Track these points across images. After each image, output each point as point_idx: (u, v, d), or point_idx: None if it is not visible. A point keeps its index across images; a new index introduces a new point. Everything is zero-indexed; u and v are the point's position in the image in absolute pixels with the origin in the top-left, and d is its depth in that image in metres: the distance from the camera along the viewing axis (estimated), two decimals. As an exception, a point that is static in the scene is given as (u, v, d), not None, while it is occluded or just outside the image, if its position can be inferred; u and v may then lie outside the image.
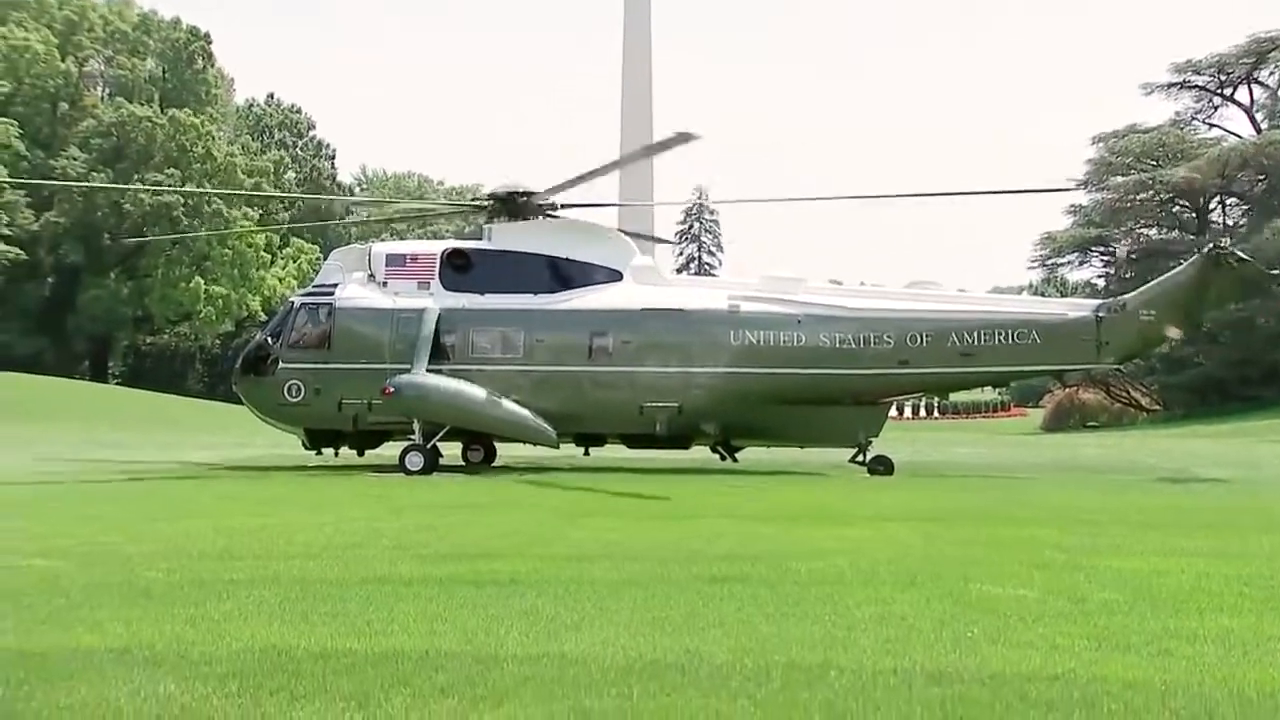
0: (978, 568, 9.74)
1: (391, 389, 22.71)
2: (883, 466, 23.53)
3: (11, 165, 67.77)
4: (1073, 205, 74.61)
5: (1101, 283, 74.21)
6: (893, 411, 28.17)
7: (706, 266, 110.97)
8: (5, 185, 63.97)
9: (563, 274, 24.10)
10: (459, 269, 24.29)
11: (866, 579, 9.26)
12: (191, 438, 40.59)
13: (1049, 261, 76.00)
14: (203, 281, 75.54)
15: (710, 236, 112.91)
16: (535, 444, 23.95)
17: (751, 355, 23.27)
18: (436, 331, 23.55)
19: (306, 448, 24.65)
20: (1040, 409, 75.85)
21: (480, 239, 25.11)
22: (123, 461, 26.20)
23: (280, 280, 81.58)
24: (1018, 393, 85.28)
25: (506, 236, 24.53)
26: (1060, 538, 11.78)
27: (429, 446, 23.15)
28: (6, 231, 65.89)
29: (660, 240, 33.48)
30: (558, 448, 23.93)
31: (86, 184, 68.89)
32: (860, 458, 23.73)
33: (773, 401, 23.21)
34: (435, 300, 23.88)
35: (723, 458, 24.60)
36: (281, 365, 23.87)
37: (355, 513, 14.65)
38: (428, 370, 23.11)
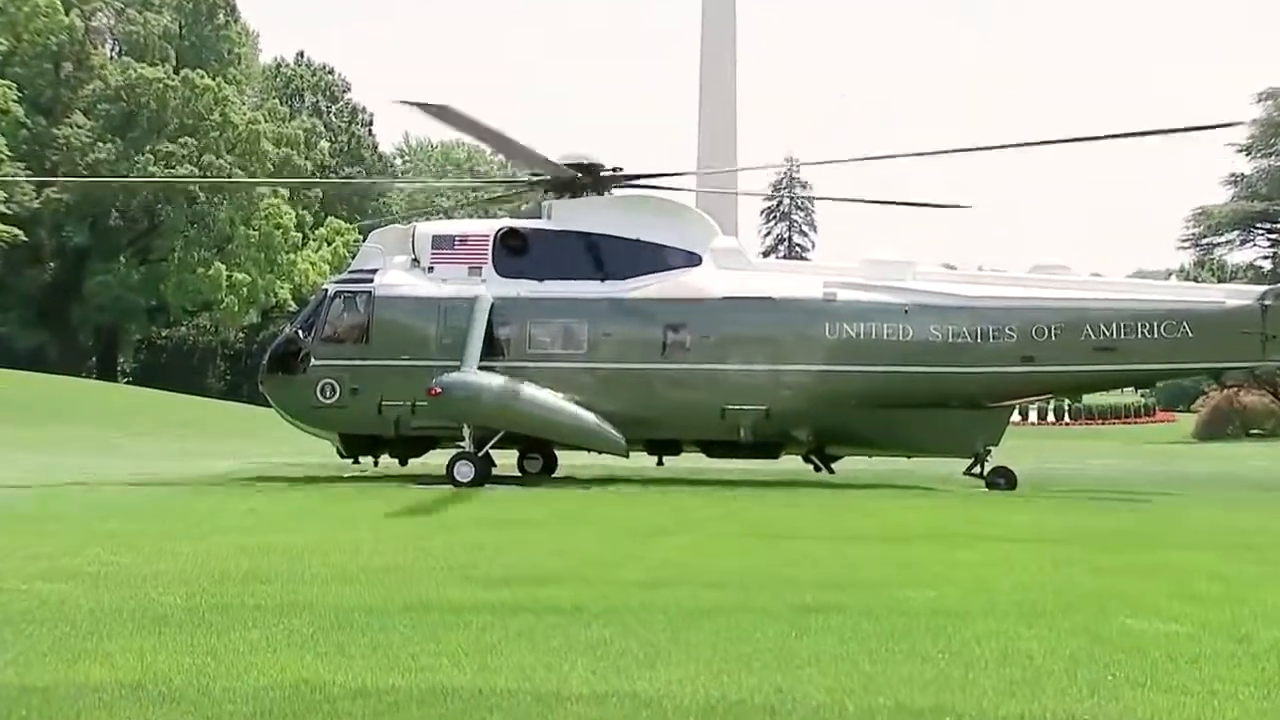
0: (1118, 599, 9.64)
1: (438, 389, 22.97)
2: (1003, 480, 23.37)
3: (10, 133, 67.70)
4: (1233, 175, 72.70)
5: (1268, 265, 72.63)
6: (1015, 416, 27.91)
7: (798, 249, 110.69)
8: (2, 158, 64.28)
9: (633, 257, 24.21)
10: (515, 252, 24.50)
11: (986, 611, 9.19)
12: (212, 444, 41.36)
13: (1203, 241, 74.32)
14: (224, 267, 76.55)
15: (802, 214, 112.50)
16: (601, 452, 24.15)
17: (851, 350, 23.23)
18: (489, 323, 23.78)
19: (342, 456, 25.06)
20: (1192, 414, 74.50)
21: (539, 217, 25.33)
22: (135, 471, 26.76)
23: (312, 265, 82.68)
24: (1165, 395, 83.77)
25: (569, 215, 24.70)
26: (1218, 565, 11.65)
27: (481, 455, 23.37)
28: (3, 209, 64.71)
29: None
30: (627, 456, 24.07)
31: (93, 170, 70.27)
32: (977, 470, 23.59)
33: (875, 404, 23.13)
34: (488, 288, 24.10)
35: (817, 469, 24.56)
36: (313, 362, 24.23)
37: (397, 530, 14.84)
38: (479, 368, 23.37)
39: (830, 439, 23.95)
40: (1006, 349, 23.05)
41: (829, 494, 21.03)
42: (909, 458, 25.60)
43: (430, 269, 24.53)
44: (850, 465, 25.67)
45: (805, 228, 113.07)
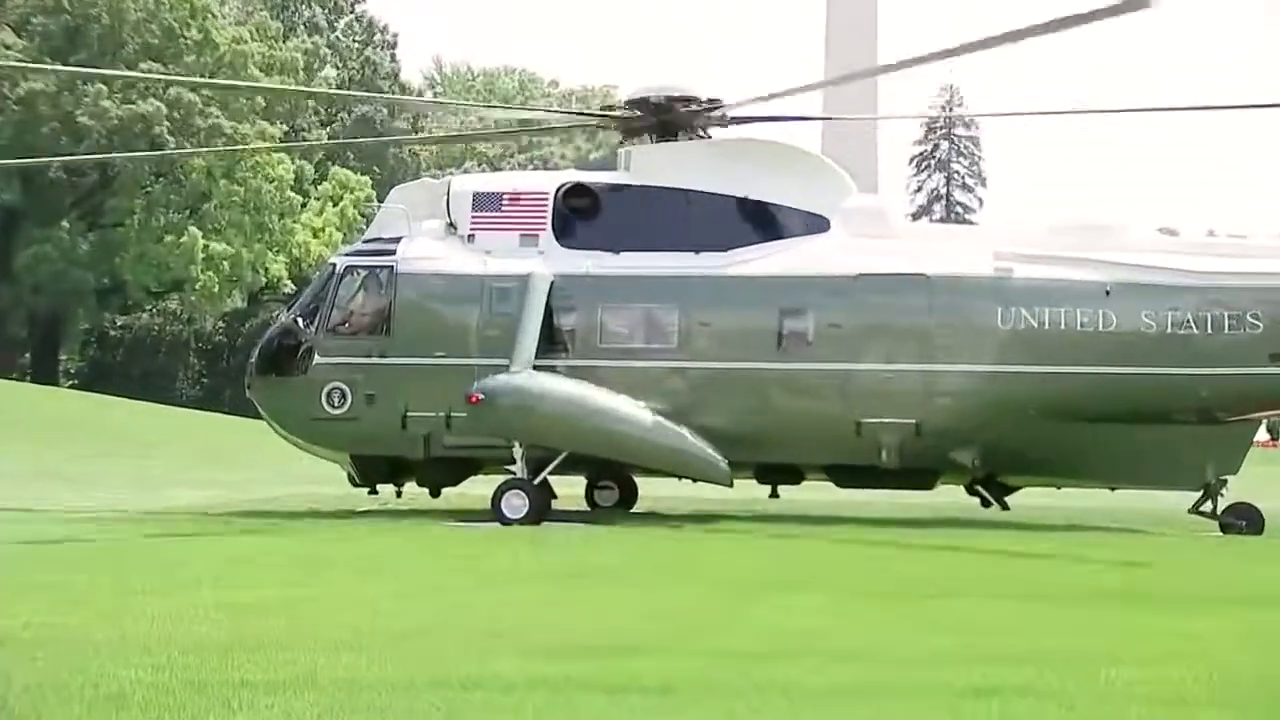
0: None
1: (481, 395, 23.16)
2: (1244, 521, 23.12)
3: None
4: None
5: None
6: (1261, 433, 27.46)
7: (960, 208, 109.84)
8: None
9: (739, 221, 24.29)
10: (582, 214, 24.68)
11: (1221, 699, 9.06)
12: (184, 468, 41.93)
13: None
14: (199, 233, 77.36)
15: (965, 162, 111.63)
16: (697, 479, 24.24)
17: (1032, 345, 23.11)
18: (548, 309, 23.95)
19: (355, 484, 25.37)
20: None
21: (613, 168, 25.48)
22: (82, 504, 27.22)
23: (315, 232, 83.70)
24: None
25: (654, 164, 24.82)
26: None
27: (537, 483, 23.55)
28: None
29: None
30: (731, 485, 24.12)
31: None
32: (1208, 507, 23.37)
33: (1065, 417, 22.97)
34: (546, 262, 24.27)
35: (985, 504, 24.40)
36: (317, 360, 24.53)
37: (427, 582, 14.93)
38: (535, 368, 23.54)
39: (1004, 464, 23.79)
40: (1247, 343, 22.76)
41: (1000, 538, 20.86)
42: (1112, 489, 25.29)
43: (470, 237, 24.74)
44: (1028, 499, 25.39)
45: (970, 180, 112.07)
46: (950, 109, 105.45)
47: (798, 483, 24.81)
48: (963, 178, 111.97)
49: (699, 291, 23.90)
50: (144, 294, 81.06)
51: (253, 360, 25.72)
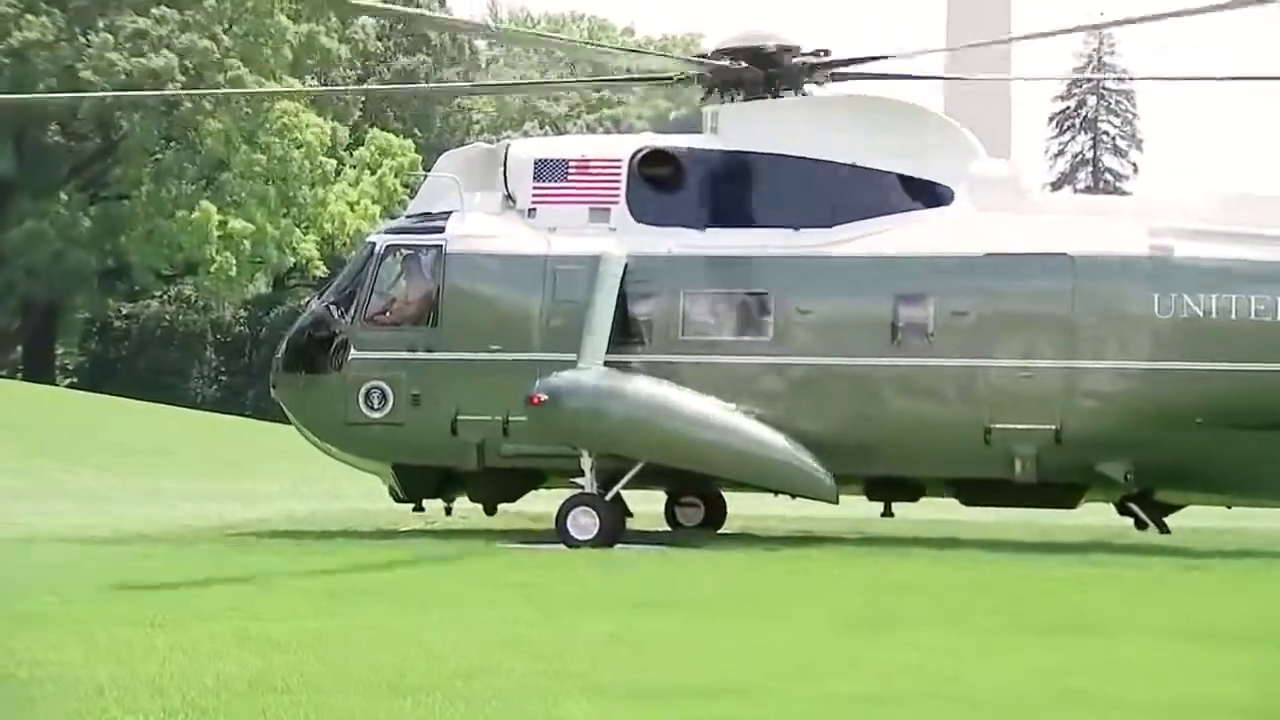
0: None
1: (544, 396, 23.19)
2: None
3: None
4: None
5: None
6: None
7: (1109, 176, 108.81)
8: None
9: (845, 192, 24.18)
10: (662, 184, 24.65)
11: None
12: (199, 479, 42.15)
13: None
14: (216, 208, 77.82)
15: (1116, 122, 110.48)
16: (796, 495, 24.22)
17: (1195, 337, 22.93)
18: (621, 295, 23.95)
19: (397, 499, 25.45)
20: None
21: (698, 130, 25.42)
22: (84, 520, 27.40)
23: (351, 205, 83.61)
24: None
25: (746, 126, 24.75)
26: None
27: (609, 499, 23.58)
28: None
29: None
30: (836, 502, 24.05)
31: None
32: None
33: (1234, 423, 22.75)
34: (619, 240, 24.30)
35: (1140, 525, 24.19)
36: (353, 355, 24.67)
37: (482, 614, 14.96)
38: (607, 364, 23.57)
39: (1162, 479, 23.57)
40: None
41: (1157, 565, 20.73)
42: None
43: (531, 211, 24.79)
44: (1191, 520, 25.22)
45: (1121, 143, 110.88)
46: (1099, 60, 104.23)
47: (915, 499, 24.70)
48: (1113, 140, 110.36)
49: (799, 274, 23.84)
50: (153, 278, 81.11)
51: (278, 355, 25.91)
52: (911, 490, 24.45)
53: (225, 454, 52.37)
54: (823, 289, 23.87)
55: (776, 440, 23.30)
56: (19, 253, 75.47)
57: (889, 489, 24.46)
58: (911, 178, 24.30)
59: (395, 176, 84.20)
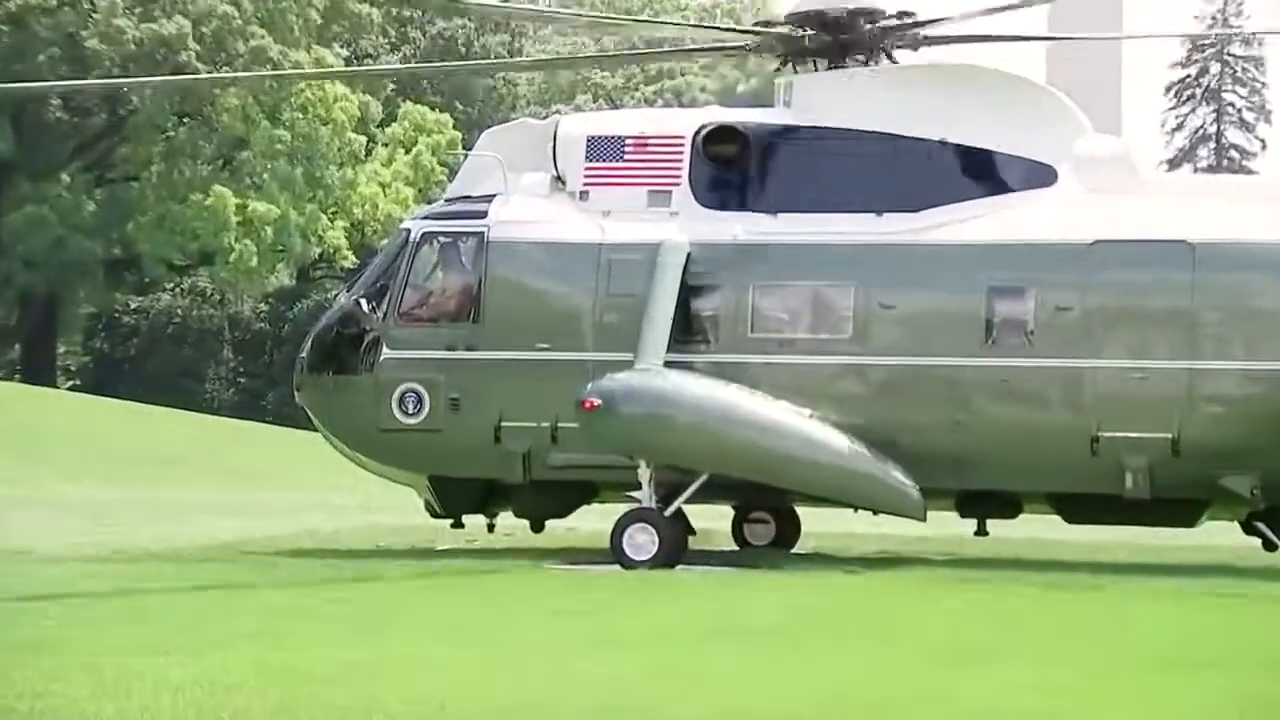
0: None
1: (598, 400, 23.27)
2: None
3: None
4: None
5: None
6: None
7: (1234, 153, 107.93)
8: None
9: (936, 173, 24.23)
10: (729, 164, 24.70)
11: None
12: (217, 493, 42.38)
13: None
14: (233, 191, 78.12)
15: (1243, 92, 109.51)
16: (879, 511, 24.25)
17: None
18: (684, 289, 24.01)
19: (434, 514, 25.57)
20: None
21: (769, 103, 25.59)
22: (88, 538, 27.57)
23: (383, 187, 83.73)
24: None
25: (824, 98, 24.79)
26: None
27: (669, 514, 23.65)
28: None
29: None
30: (924, 519, 24.04)
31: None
32: None
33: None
34: (682, 226, 24.38)
35: (1270, 545, 24.06)
36: (386, 354, 24.85)
37: (528, 642, 15.03)
38: (667, 364, 23.61)
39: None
40: None
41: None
42: None
43: (583, 194, 24.92)
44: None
45: (1249, 115, 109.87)
46: (1224, 21, 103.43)
47: (1013, 516, 24.63)
48: (1239, 112, 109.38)
49: (882, 265, 23.88)
50: (164, 268, 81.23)
51: (303, 354, 26.08)
52: (1008, 506, 24.36)
53: (243, 464, 52.59)
54: (909, 281, 23.88)
55: (857, 450, 23.30)
56: (17, 240, 75.70)
57: (983, 504, 24.35)
58: (1008, 156, 24.25)
59: (432, 155, 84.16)
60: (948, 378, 23.60)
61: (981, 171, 24.29)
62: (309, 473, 43.82)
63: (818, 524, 27.05)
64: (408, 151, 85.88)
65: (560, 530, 26.45)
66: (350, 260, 78.32)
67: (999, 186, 24.22)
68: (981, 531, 24.87)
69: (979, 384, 23.56)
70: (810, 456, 23.37)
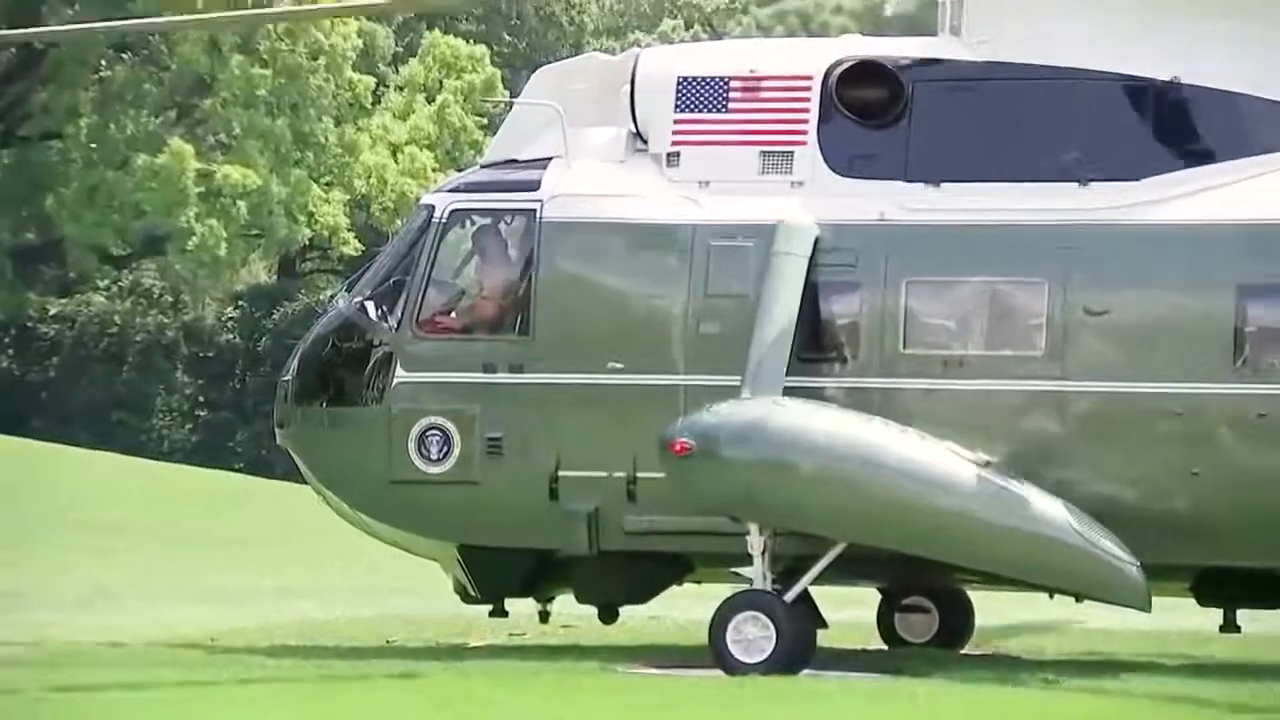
0: None
1: (690, 441, 23.30)
2: None
3: None
4: None
5: None
6: None
7: None
8: None
9: (1163, 125, 24.28)
10: (873, 114, 24.80)
11: None
12: (171, 568, 42.66)
13: None
14: (193, 150, 78.09)
15: None
16: (1085, 595, 24.19)
17: None
18: (811, 287, 24.07)
19: (467, 597, 25.78)
20: None
21: (929, 31, 25.78)
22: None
23: (396, 150, 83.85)
24: None
25: (1005, 24, 24.78)
26: None
27: (790, 598, 23.66)
28: None
29: None
30: (1148, 608, 23.88)
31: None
32: None
33: None
34: (808, 201, 24.46)
35: None
36: (401, 377, 25.00)
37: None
38: (787, 392, 23.62)
39: None
40: None
41: None
42: None
43: (672, 157, 25.02)
44: None
45: None
46: None
47: (1275, 605, 24.58)
48: None
49: (1089, 254, 23.84)
50: (96, 260, 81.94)
51: (287, 378, 26.20)
52: (1267, 590, 24.30)
53: (205, 527, 52.89)
54: (1126, 276, 23.81)
55: (1053, 510, 23.19)
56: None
57: (1231, 588, 24.31)
58: (1269, 103, 24.24)
59: (464, 104, 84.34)
60: (1181, 410, 23.54)
61: (1230, 124, 24.25)
62: (296, 540, 44.14)
63: (996, 613, 26.99)
64: (430, 100, 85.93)
65: (640, 620, 26.48)
66: (352, 248, 78.68)
67: (1252, 145, 24.15)
68: (1230, 626, 24.82)
69: (1225, 419, 23.47)
70: (988, 519, 23.23)
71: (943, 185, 24.36)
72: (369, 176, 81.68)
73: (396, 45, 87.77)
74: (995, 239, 24.08)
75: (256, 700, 20.15)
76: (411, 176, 79.75)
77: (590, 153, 25.13)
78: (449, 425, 24.70)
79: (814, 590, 24.10)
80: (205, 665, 23.72)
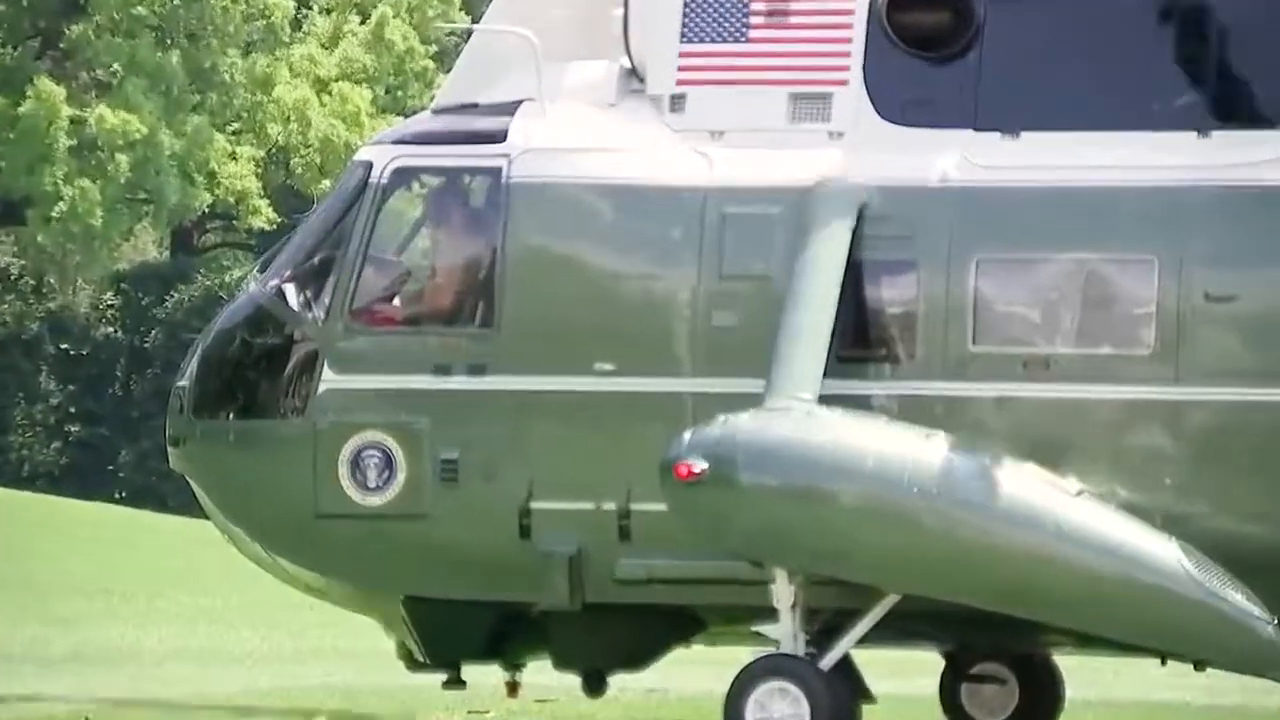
0: None
1: (700, 464, 23.27)
2: None
3: None
4: None
5: None
6: None
7: None
8: None
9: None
10: (931, 45, 24.86)
11: None
12: (22, 630, 42.78)
13: None
14: (62, 89, 78.37)
15: None
16: (1211, 663, 24.10)
17: None
18: (854, 267, 24.09)
19: (414, 664, 25.84)
20: None
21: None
22: None
23: (324, 85, 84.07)
24: None
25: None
26: None
27: (825, 664, 23.68)
28: None
29: None
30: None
31: None
32: None
33: None
34: (850, 156, 24.50)
35: None
36: (329, 382, 25.03)
37: None
38: (824, 400, 23.53)
39: None
40: None
41: None
42: None
43: (677, 100, 25.09)
44: None
45: None
46: None
47: None
48: None
49: (1212, 223, 23.85)
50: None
51: (184, 383, 26.16)
52: None
53: (80, 574, 53.05)
54: (1259, 252, 23.83)
55: (1165, 552, 23.14)
56: None
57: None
58: None
59: (409, 30, 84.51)
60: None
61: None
62: (193, 589, 44.34)
63: (1091, 684, 27.06)
64: (364, 19, 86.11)
65: (635, 693, 26.54)
66: (266, 217, 78.91)
67: None
68: None
69: None
70: (1081, 564, 23.13)
71: (1023, 135, 24.38)
72: (287, 122, 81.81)
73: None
74: (1090, 204, 24.09)
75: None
76: (343, 121, 79.86)
77: (571, 94, 25.20)
78: (391, 443, 24.71)
79: (858, 654, 24.16)
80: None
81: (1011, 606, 23.71)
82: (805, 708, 23.11)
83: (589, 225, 24.73)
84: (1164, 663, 24.49)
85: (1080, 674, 25.76)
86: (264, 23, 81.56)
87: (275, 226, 71.78)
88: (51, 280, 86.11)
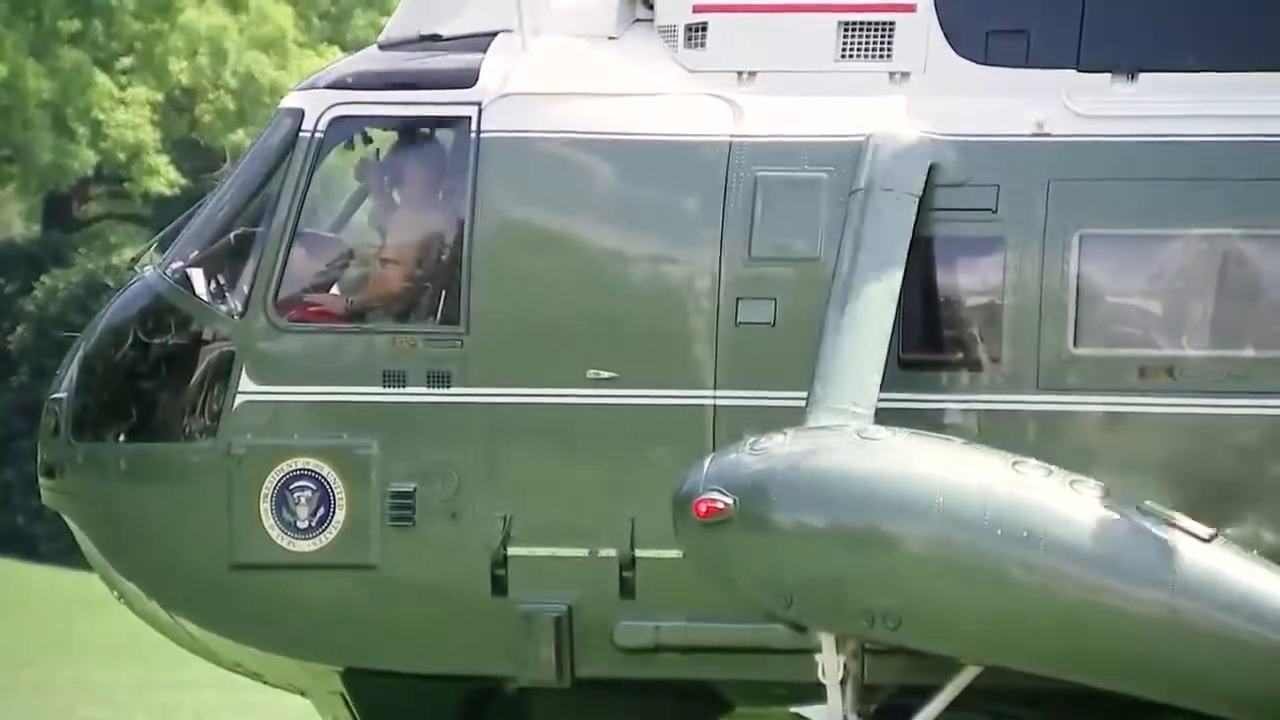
0: None
1: (724, 499, 23.38)
2: None
3: None
4: None
5: None
6: None
7: None
8: None
9: None
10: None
11: None
12: None
13: None
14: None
15: None
16: None
17: None
18: (920, 245, 24.34)
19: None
20: None
21: None
22: None
23: (237, 6, 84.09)
24: None
25: None
26: None
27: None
28: None
29: None
30: None
31: None
32: None
33: None
34: (915, 103, 24.72)
35: None
36: (248, 393, 25.20)
37: None
38: (881, 416, 23.67)
39: None
40: None
41: None
42: None
43: (695, 32, 25.27)
44: None
45: None
46: None
47: None
48: None
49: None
50: None
51: (60, 395, 26.40)
52: None
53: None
54: None
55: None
56: None
57: None
58: None
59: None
60: None
61: None
62: (73, 656, 44.86)
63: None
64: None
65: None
66: (165, 180, 79.05)
67: None
68: None
69: None
70: (1221, 631, 23.28)
71: (1139, 77, 24.63)
72: (194, 55, 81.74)
73: None
74: (1228, 164, 24.23)
75: None
76: (264, 52, 79.94)
77: (559, 24, 25.40)
78: (327, 473, 24.90)
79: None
80: None
81: (1127, 683, 23.85)
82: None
83: (581, 192, 24.92)
84: None
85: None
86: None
87: (178, 192, 71.87)
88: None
